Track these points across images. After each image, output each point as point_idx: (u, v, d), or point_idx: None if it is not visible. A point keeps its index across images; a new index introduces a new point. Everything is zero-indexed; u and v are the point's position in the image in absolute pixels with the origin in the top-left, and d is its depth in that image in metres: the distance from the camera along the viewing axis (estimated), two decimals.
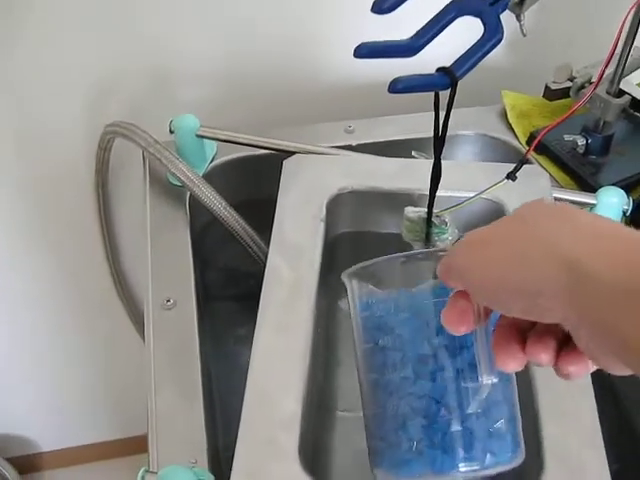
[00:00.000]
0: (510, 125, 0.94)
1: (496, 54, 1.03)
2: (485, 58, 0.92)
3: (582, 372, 0.40)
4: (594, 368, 0.40)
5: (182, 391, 0.67)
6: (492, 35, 0.56)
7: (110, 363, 1.44)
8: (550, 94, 0.91)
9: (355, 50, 0.56)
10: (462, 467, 0.49)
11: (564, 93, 0.89)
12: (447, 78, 0.55)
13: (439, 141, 0.61)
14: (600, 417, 0.59)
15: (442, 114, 0.60)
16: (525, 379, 0.63)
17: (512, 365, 0.41)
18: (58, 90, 0.97)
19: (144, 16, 0.92)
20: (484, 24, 0.57)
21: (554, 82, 0.89)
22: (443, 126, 0.60)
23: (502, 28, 0.57)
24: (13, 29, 0.89)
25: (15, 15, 0.87)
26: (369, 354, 0.52)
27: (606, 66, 0.68)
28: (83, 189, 1.07)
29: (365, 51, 0.56)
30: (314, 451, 0.61)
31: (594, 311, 0.35)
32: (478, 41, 0.57)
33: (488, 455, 0.49)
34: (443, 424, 0.49)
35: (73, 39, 0.92)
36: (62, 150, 1.03)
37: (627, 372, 0.37)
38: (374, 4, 0.53)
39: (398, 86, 0.53)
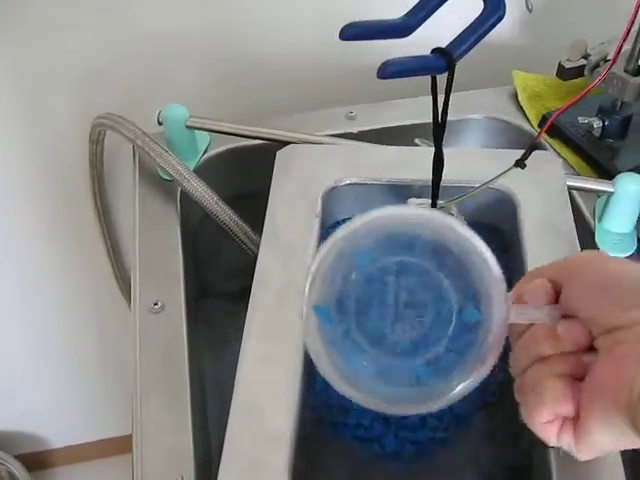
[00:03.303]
0: (522, 107, 0.89)
1: (506, 31, 0.99)
2: (495, 36, 0.87)
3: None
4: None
5: (169, 403, 0.62)
6: (493, 11, 0.51)
7: (121, 359, 1.41)
8: (564, 73, 0.85)
9: (341, 31, 0.51)
10: None
11: (579, 72, 0.84)
12: (443, 60, 0.50)
13: (439, 128, 0.56)
14: None
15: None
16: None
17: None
18: (50, 81, 0.94)
19: (134, 3, 0.88)
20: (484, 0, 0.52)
21: (568, 60, 0.83)
22: (442, 112, 0.55)
23: (504, 4, 0.51)
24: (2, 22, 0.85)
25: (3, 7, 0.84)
26: None
27: (623, 42, 0.62)
28: (79, 182, 1.04)
29: (352, 32, 0.51)
30: (307, 470, 0.56)
31: None
32: (477, 18, 0.51)
33: None
34: None
35: (63, 31, 0.88)
36: (56, 143, 1.00)
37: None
38: None
39: (388, 70, 0.48)
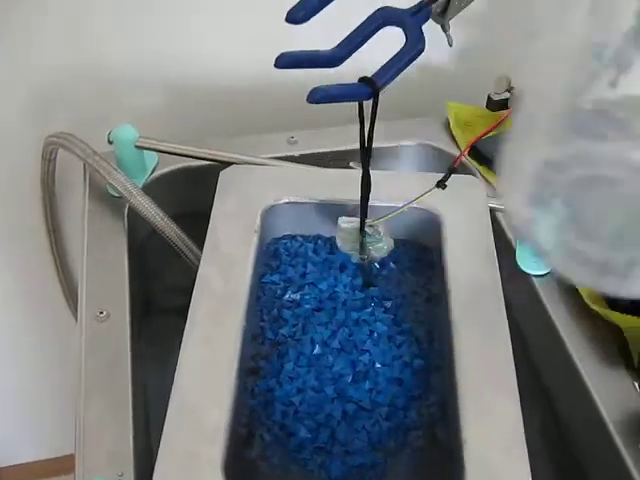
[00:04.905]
0: (454, 136, 0.95)
1: (441, 63, 1.05)
2: (429, 68, 0.93)
3: None
4: None
5: (111, 404, 0.66)
6: (413, 46, 0.56)
7: (68, 378, 1.42)
8: (492, 105, 0.92)
9: (276, 60, 0.56)
10: None
11: (505, 104, 0.90)
12: (368, 88, 0.55)
13: (366, 152, 0.61)
14: (529, 417, 0.59)
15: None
16: (446, 378, 0.64)
17: None
18: (3, 99, 0.97)
19: (88, 25, 0.92)
20: (406, 35, 0.57)
21: (495, 93, 0.90)
22: (368, 137, 0.60)
23: (424, 39, 0.57)
24: None
25: None
26: None
27: None
28: (31, 198, 1.07)
29: (286, 61, 0.56)
30: (240, 465, 0.60)
31: None
32: (400, 51, 0.57)
33: None
34: None
35: (17, 49, 0.92)
36: (7, 161, 1.03)
37: None
38: (288, 14, 0.53)
39: (317, 96, 0.53)
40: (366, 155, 0.62)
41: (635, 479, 0.63)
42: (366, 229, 0.69)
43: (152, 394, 0.77)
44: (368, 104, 0.57)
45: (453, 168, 0.64)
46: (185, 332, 0.63)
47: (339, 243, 0.71)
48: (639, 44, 0.39)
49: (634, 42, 0.39)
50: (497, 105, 0.91)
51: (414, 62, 0.57)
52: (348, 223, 0.69)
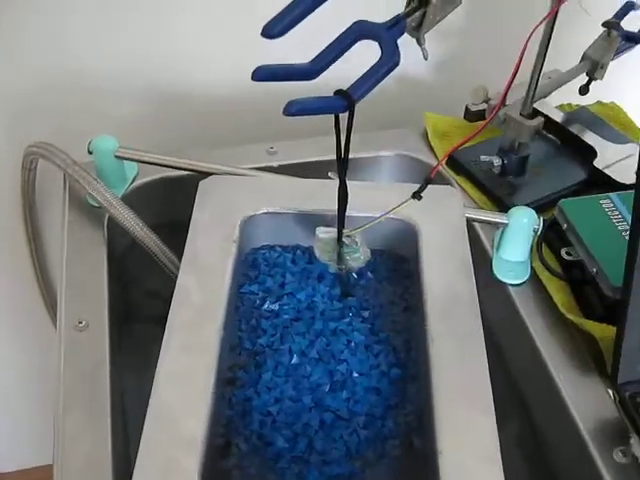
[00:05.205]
0: (432, 147, 0.96)
1: (419, 75, 1.06)
2: (407, 79, 0.94)
3: None
4: None
5: (90, 413, 0.66)
6: (388, 59, 0.57)
7: (48, 386, 1.41)
8: (470, 115, 0.93)
9: (253, 73, 0.56)
10: None
11: (483, 115, 0.91)
12: (344, 101, 0.56)
13: (342, 163, 0.62)
14: (504, 425, 0.60)
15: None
16: (422, 389, 0.64)
17: None
18: None
19: (69, 35, 0.92)
20: (381, 48, 0.58)
21: (473, 104, 0.91)
22: (344, 149, 0.61)
23: (399, 52, 0.57)
24: None
25: None
26: None
27: (508, 88, 0.69)
28: (11, 207, 1.07)
29: (263, 74, 0.56)
30: (218, 475, 0.61)
31: None
32: (375, 64, 0.57)
33: None
34: None
35: None
36: None
37: None
38: (264, 29, 0.53)
39: (293, 109, 0.53)
40: (342, 166, 0.62)
41: None
42: (344, 239, 0.69)
43: (130, 403, 0.77)
44: (345, 116, 0.58)
45: (430, 178, 0.64)
46: (163, 341, 0.63)
47: (317, 253, 0.71)
48: None
49: None
50: (474, 116, 0.92)
51: (391, 74, 0.58)
52: (326, 233, 0.70)
